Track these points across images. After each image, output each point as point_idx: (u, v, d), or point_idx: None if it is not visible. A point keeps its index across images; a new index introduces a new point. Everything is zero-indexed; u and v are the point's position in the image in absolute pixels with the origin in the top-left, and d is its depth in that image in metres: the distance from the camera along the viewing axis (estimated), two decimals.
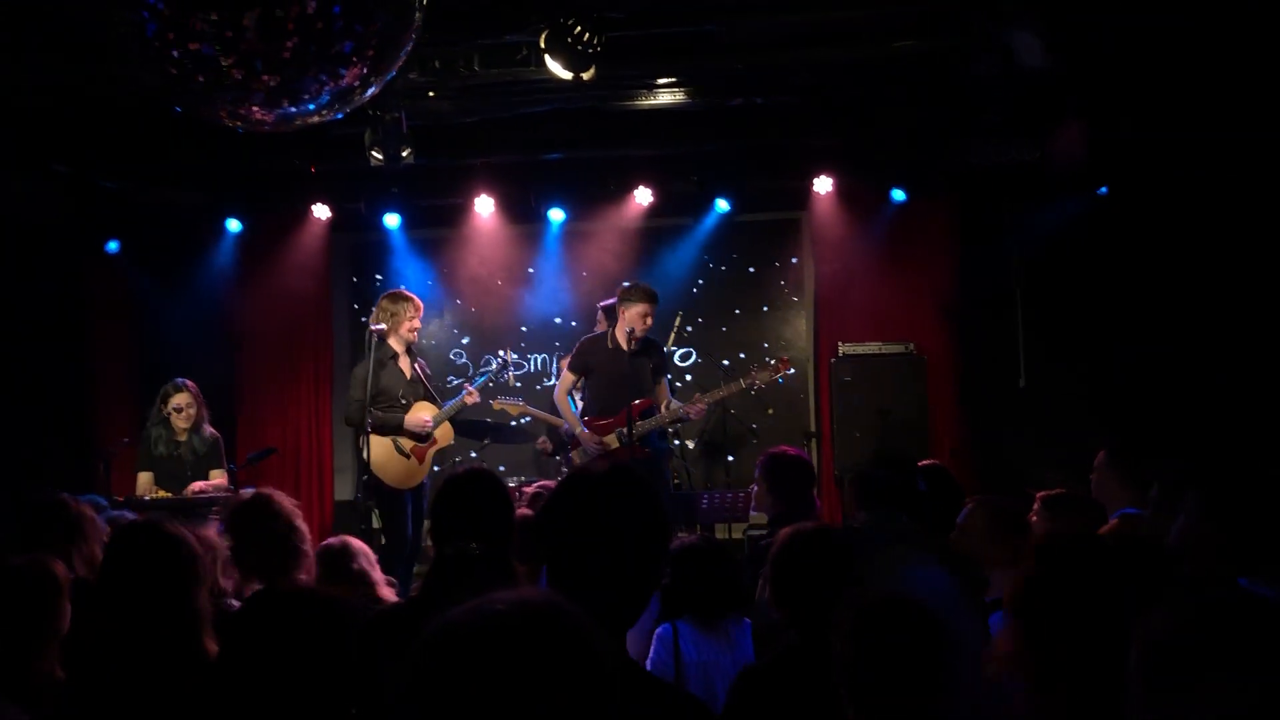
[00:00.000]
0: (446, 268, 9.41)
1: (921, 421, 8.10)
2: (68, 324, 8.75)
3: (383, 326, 6.51)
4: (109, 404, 8.92)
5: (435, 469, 6.80)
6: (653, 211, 8.68)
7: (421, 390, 6.70)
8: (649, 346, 6.71)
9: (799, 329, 9.18)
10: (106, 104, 6.65)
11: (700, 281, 9.23)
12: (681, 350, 9.16)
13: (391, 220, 8.85)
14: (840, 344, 8.39)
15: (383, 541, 6.50)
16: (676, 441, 7.46)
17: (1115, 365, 7.71)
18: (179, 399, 6.68)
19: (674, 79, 6.74)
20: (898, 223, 8.56)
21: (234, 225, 8.86)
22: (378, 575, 3.92)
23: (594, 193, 8.62)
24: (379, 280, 9.24)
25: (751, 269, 9.28)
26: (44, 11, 5.41)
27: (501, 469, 8.37)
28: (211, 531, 3.71)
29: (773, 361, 6.98)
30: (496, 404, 7.82)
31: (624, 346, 6.55)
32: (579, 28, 5.38)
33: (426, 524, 6.67)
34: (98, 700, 2.55)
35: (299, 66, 3.61)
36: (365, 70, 3.79)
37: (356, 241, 9.48)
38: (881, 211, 8.55)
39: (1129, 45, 5.98)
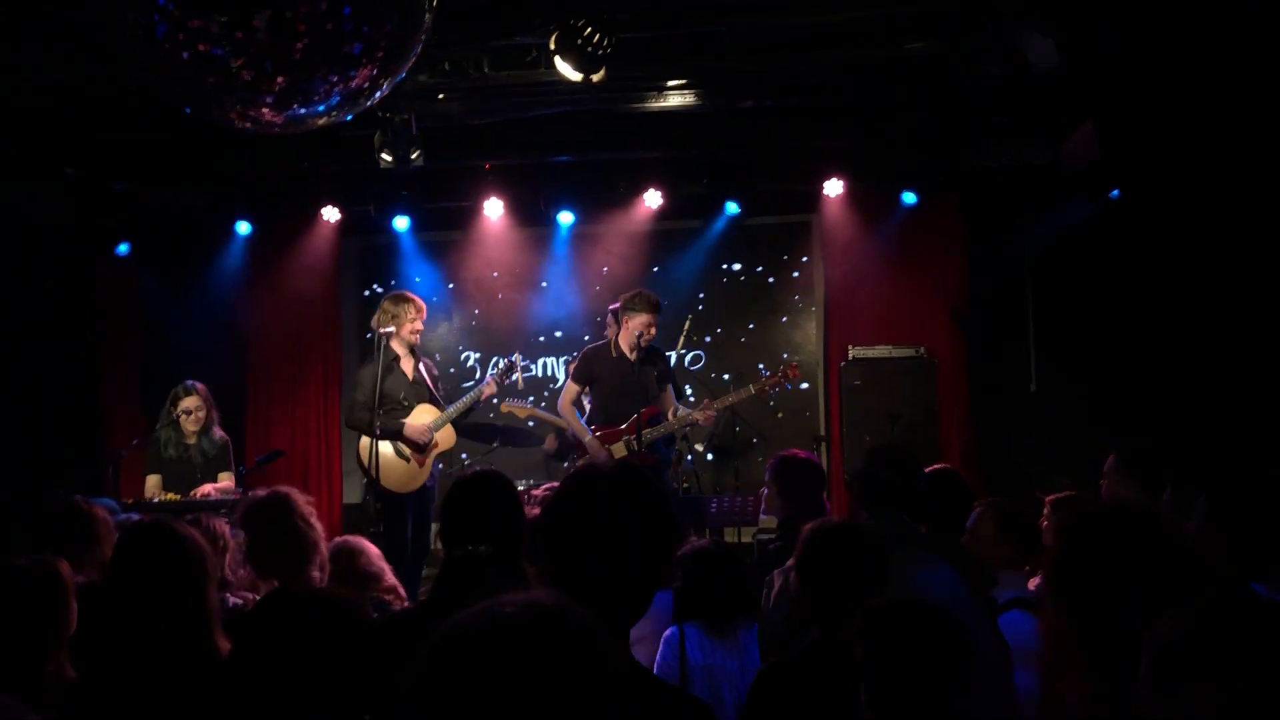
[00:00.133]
0: (456, 270, 9.42)
1: (931, 425, 8.08)
2: (77, 326, 8.78)
3: (391, 329, 6.50)
4: (118, 406, 8.94)
5: (438, 467, 6.75)
6: (662, 214, 8.68)
7: (425, 392, 6.67)
8: (653, 354, 6.70)
9: (809, 332, 9.17)
10: (116, 106, 6.66)
11: (710, 284, 9.22)
12: (691, 354, 9.15)
13: (401, 223, 8.86)
14: (850, 347, 8.37)
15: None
16: (689, 448, 7.44)
17: (1126, 369, 7.67)
18: (188, 401, 6.68)
19: (684, 81, 6.73)
20: (908, 225, 8.54)
21: (243, 228, 8.88)
22: (388, 576, 3.92)
23: (603, 195, 8.62)
24: (392, 283, 9.23)
25: (761, 272, 9.27)
26: (53, 14, 5.41)
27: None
28: (221, 523, 3.73)
29: (781, 368, 6.96)
30: (505, 407, 7.82)
31: (628, 355, 6.54)
32: (589, 29, 5.37)
33: (434, 526, 6.67)
34: (111, 700, 2.54)
35: (309, 68, 3.61)
36: (375, 71, 3.79)
37: (366, 244, 9.49)
38: (892, 214, 8.54)
39: (1140, 46, 5.95)
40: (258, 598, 3.40)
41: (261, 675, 1.98)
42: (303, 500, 3.45)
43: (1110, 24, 5.66)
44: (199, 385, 6.79)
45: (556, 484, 6.01)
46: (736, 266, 9.26)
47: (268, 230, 9.00)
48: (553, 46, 5.50)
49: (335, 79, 3.71)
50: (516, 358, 6.88)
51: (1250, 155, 6.82)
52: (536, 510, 4.05)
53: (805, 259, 9.23)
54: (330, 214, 8.76)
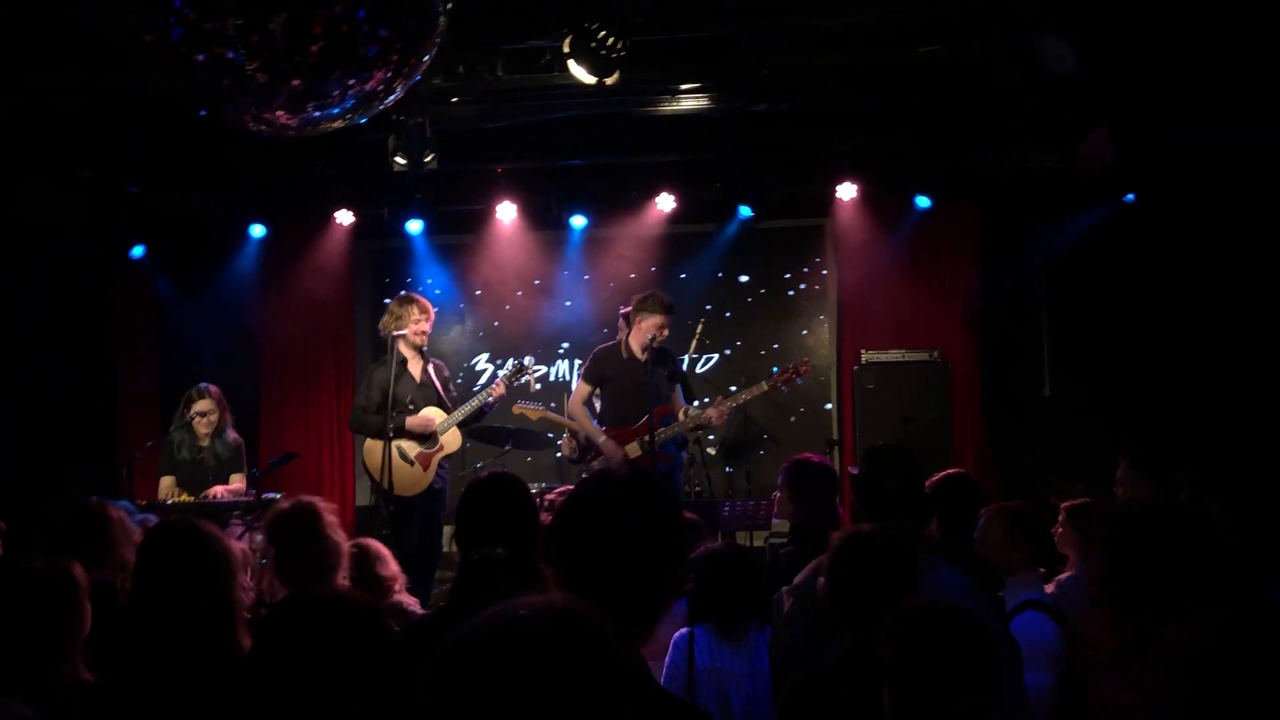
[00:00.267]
0: (469, 274, 9.43)
1: (945, 429, 8.05)
2: (93, 328, 8.83)
3: (404, 332, 6.50)
4: (133, 408, 8.99)
5: (444, 468, 6.73)
6: (675, 218, 8.68)
7: (434, 395, 6.66)
8: (663, 355, 6.70)
9: (822, 336, 9.15)
10: (132, 109, 6.68)
11: (722, 288, 9.20)
12: (703, 358, 9.14)
13: (414, 226, 8.88)
14: (863, 351, 8.35)
15: None
16: (701, 450, 7.43)
17: (1141, 374, 7.64)
18: (202, 404, 6.71)
19: (697, 84, 6.73)
20: (922, 229, 8.52)
21: (257, 230, 8.91)
22: (401, 580, 3.92)
23: (616, 199, 8.62)
24: (407, 284, 9.24)
25: (774, 276, 9.25)
26: (69, 18, 5.44)
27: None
28: (235, 539, 3.74)
29: (792, 365, 6.95)
30: (517, 409, 7.81)
31: (639, 356, 6.54)
32: (603, 33, 5.38)
33: (447, 529, 6.67)
34: (137, 697, 2.55)
35: (324, 71, 3.62)
36: (390, 74, 3.80)
37: (379, 247, 9.51)
38: (906, 218, 8.51)
39: (1155, 50, 5.92)
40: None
41: (276, 676, 1.98)
42: (327, 509, 3.45)
43: (1126, 28, 5.64)
44: (212, 388, 6.82)
45: (569, 488, 6.03)
46: (749, 270, 9.25)
47: (282, 233, 9.04)
48: (566, 50, 5.50)
49: (350, 82, 3.72)
50: (528, 361, 6.87)
51: (1266, 159, 6.79)
52: (549, 514, 4.06)
53: (819, 263, 9.21)
54: (344, 217, 8.79)
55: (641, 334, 6.54)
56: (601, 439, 6.65)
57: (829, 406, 9.02)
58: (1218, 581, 2.10)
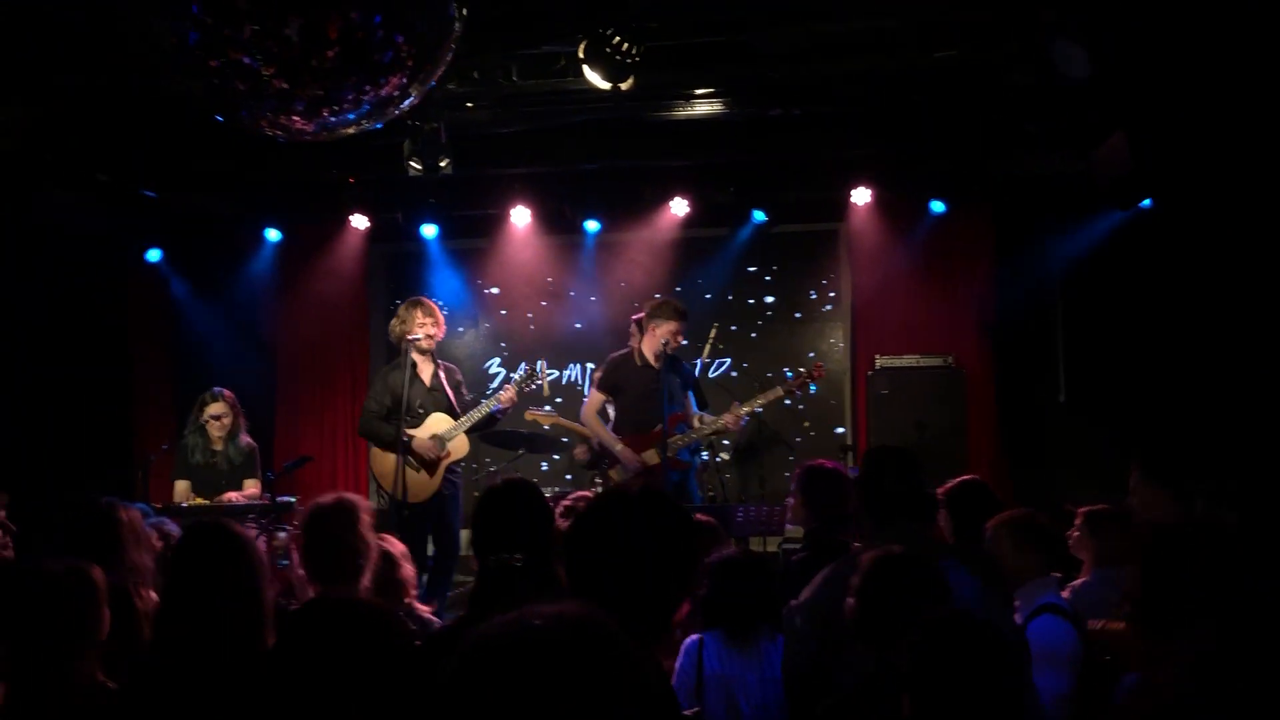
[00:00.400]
0: (482, 278, 9.45)
1: (959, 435, 8.02)
2: (109, 331, 8.88)
3: (417, 336, 6.51)
4: (148, 411, 9.04)
5: (456, 472, 6.73)
6: (689, 222, 8.67)
7: (444, 400, 6.64)
8: (675, 362, 6.70)
9: (836, 341, 9.13)
10: (148, 113, 6.72)
11: (736, 293, 9.19)
12: (717, 363, 9.13)
13: (429, 230, 8.90)
14: (877, 356, 8.33)
15: None
16: (706, 454, 7.42)
17: (1157, 381, 7.59)
18: (215, 407, 6.74)
19: (711, 89, 6.72)
20: (936, 234, 8.50)
21: (273, 235, 8.95)
22: (414, 583, 3.93)
23: (630, 203, 8.62)
24: (424, 289, 9.24)
25: (788, 280, 9.24)
26: (85, 21, 5.47)
27: (544, 471, 8.37)
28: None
29: (806, 369, 6.93)
30: (529, 414, 7.82)
31: (652, 363, 6.53)
32: (617, 38, 5.38)
33: (464, 534, 6.68)
34: (167, 695, 2.56)
35: (340, 76, 3.63)
36: (405, 80, 3.81)
37: (394, 251, 9.54)
38: (920, 223, 8.49)
39: (1173, 54, 5.89)
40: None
41: (299, 681, 1.99)
42: (366, 509, 3.43)
43: (1141, 32, 5.61)
44: (225, 391, 6.84)
45: (584, 493, 6.03)
46: (763, 275, 9.23)
47: (297, 237, 9.07)
48: (581, 55, 5.51)
49: (366, 88, 3.73)
50: (541, 366, 6.87)
51: None
52: (563, 519, 4.06)
53: (832, 267, 9.19)
54: (359, 221, 8.82)
55: (655, 340, 6.54)
56: (618, 447, 6.64)
57: (843, 411, 8.99)
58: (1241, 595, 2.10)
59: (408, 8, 3.66)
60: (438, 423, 6.57)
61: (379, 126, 4.18)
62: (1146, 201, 7.54)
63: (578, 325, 9.35)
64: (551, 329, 9.38)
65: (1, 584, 2.85)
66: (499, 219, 8.83)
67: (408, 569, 3.86)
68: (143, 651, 3.03)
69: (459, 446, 6.62)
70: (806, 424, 8.85)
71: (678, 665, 3.56)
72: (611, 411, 6.98)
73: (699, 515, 4.25)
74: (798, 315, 9.21)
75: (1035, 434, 8.24)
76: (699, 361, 8.44)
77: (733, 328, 9.11)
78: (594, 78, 5.55)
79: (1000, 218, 8.40)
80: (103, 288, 8.73)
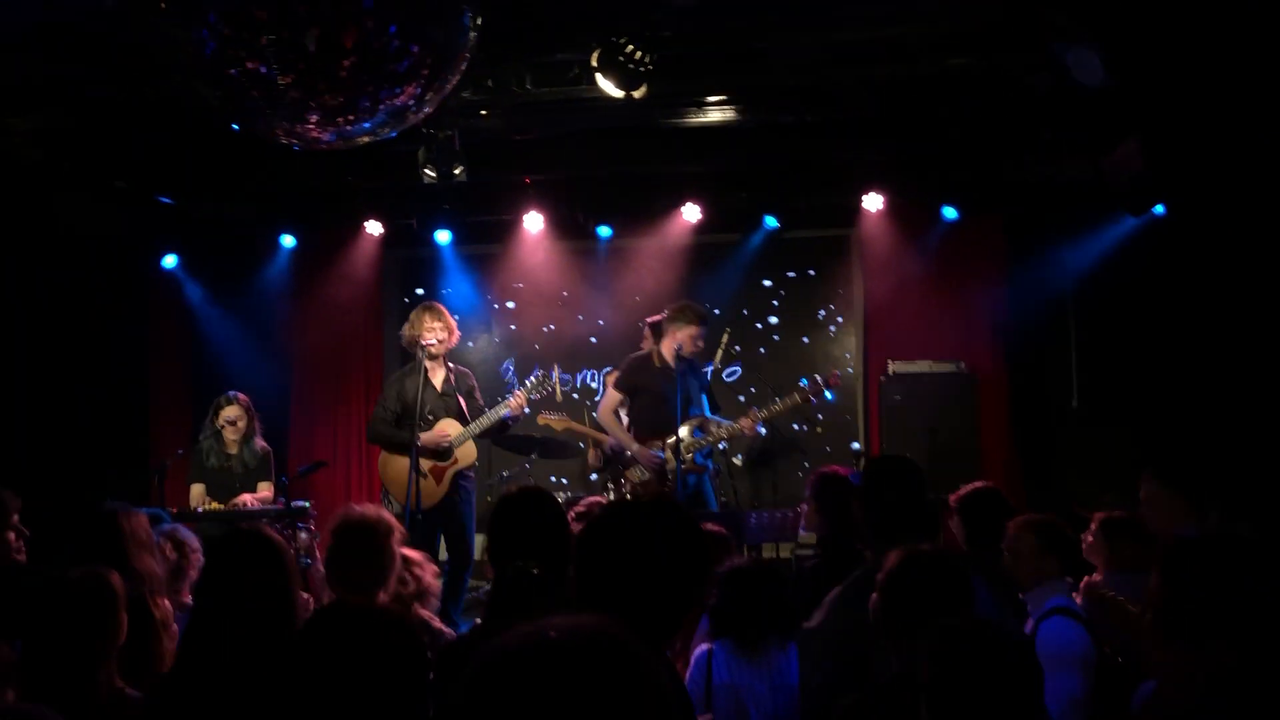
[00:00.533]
0: (496, 283, 9.47)
1: (972, 441, 8.01)
2: (126, 336, 8.92)
3: (431, 341, 6.51)
4: (164, 416, 9.08)
5: (468, 478, 6.74)
6: (701, 228, 8.68)
7: (455, 405, 6.64)
8: (692, 366, 6.72)
9: (848, 347, 9.12)
10: (165, 120, 6.76)
11: (748, 298, 9.19)
12: (729, 368, 9.13)
13: (442, 236, 8.94)
14: (890, 362, 8.32)
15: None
16: (723, 459, 7.43)
17: (1171, 386, 7.57)
18: (230, 411, 6.77)
19: (724, 96, 6.72)
20: (949, 240, 8.49)
21: (288, 240, 9.00)
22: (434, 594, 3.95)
23: (642, 209, 8.64)
24: (442, 294, 9.27)
25: (800, 286, 9.24)
26: (104, 30, 5.51)
27: (554, 479, 8.39)
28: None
29: (822, 376, 6.93)
30: (541, 419, 7.83)
31: (671, 365, 6.55)
32: (630, 46, 5.39)
33: (479, 539, 6.69)
34: (200, 696, 2.58)
35: (356, 86, 3.66)
36: (420, 89, 3.83)
37: (408, 257, 9.57)
38: (932, 229, 8.49)
39: (1187, 59, 5.87)
40: None
41: (313, 687, 2.00)
42: (399, 529, 3.48)
43: (1156, 37, 5.60)
44: (240, 395, 6.87)
45: (596, 498, 6.05)
46: (775, 281, 9.23)
47: (312, 243, 9.12)
48: (595, 64, 5.51)
49: (382, 96, 3.76)
50: (555, 372, 6.87)
51: None
52: (578, 526, 4.07)
53: (845, 273, 9.19)
54: (374, 227, 8.85)
55: (674, 343, 6.55)
56: (635, 447, 6.65)
57: (855, 417, 8.98)
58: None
59: (423, 18, 3.68)
60: (447, 428, 6.58)
61: (393, 135, 4.20)
62: (1159, 207, 7.52)
63: (590, 330, 9.37)
64: (564, 334, 9.40)
65: (21, 590, 2.88)
66: (512, 225, 8.85)
67: (427, 576, 3.87)
68: (158, 658, 3.06)
69: (466, 453, 6.61)
70: (819, 429, 8.84)
71: (687, 676, 3.57)
72: (623, 415, 6.99)
73: (709, 525, 4.26)
74: (809, 321, 9.20)
75: (1048, 440, 8.21)
76: (710, 366, 8.43)
77: (745, 334, 9.10)
78: (607, 86, 5.56)
79: (1013, 223, 8.39)
80: (120, 294, 8.78)
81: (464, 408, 6.67)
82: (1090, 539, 4.30)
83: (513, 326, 9.54)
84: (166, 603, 3.49)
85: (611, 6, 5.39)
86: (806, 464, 8.21)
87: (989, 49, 5.92)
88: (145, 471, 7.58)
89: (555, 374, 6.91)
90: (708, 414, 6.84)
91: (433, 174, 6.73)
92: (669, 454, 6.56)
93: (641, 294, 9.07)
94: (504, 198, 8.62)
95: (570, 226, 8.82)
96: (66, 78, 6.03)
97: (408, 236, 9.00)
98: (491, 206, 8.74)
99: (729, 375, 9.13)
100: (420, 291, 9.44)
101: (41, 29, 5.45)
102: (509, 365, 9.49)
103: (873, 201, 8.36)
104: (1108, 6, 5.28)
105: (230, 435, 6.78)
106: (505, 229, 8.97)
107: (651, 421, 6.68)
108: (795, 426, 8.47)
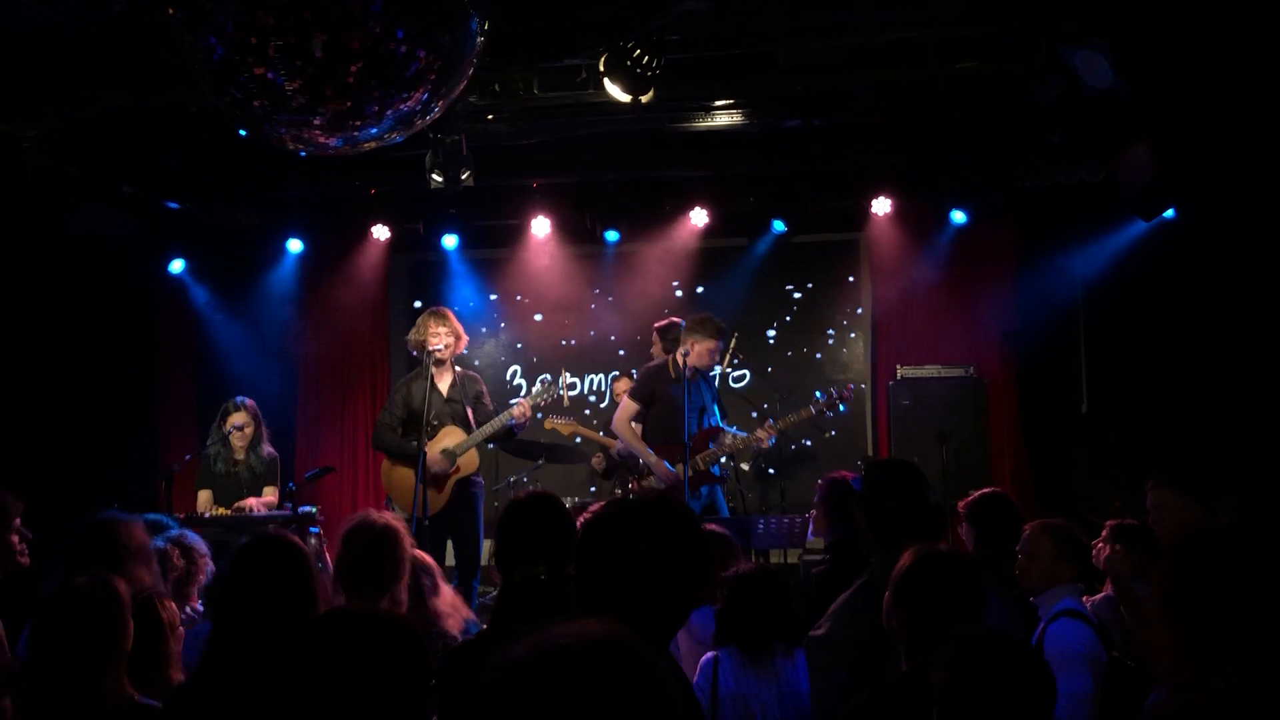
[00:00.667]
0: (503, 287, 9.47)
1: (982, 446, 7.97)
2: (133, 341, 8.94)
3: (439, 346, 6.50)
4: (171, 421, 9.09)
5: (478, 482, 6.71)
6: (708, 232, 8.67)
7: (460, 412, 6.60)
8: (704, 373, 6.72)
9: (856, 351, 9.10)
10: (172, 126, 6.77)
11: (756, 303, 9.16)
12: (736, 373, 9.12)
13: (449, 241, 8.94)
14: (899, 367, 8.29)
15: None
16: (732, 465, 7.42)
17: (1181, 391, 7.54)
18: (237, 417, 6.77)
19: (731, 101, 6.72)
20: (957, 244, 8.47)
21: (295, 245, 9.00)
22: (435, 595, 3.93)
23: (650, 214, 8.63)
24: (448, 299, 9.27)
25: (808, 290, 9.23)
26: (112, 36, 5.53)
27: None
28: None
29: (838, 390, 6.92)
30: (549, 423, 7.82)
31: (687, 375, 6.54)
32: (638, 51, 5.39)
33: (487, 544, 6.67)
34: (222, 699, 2.57)
35: (363, 91, 3.65)
36: (428, 94, 3.83)
37: (415, 261, 9.58)
38: (941, 233, 8.47)
39: (1197, 63, 5.86)
40: None
41: (311, 686, 1.99)
42: (410, 542, 3.50)
43: (1166, 41, 5.58)
44: (248, 401, 6.87)
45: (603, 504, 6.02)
46: (783, 285, 9.22)
47: (319, 248, 9.12)
48: (602, 68, 5.52)
49: (389, 101, 3.76)
50: (564, 377, 6.85)
51: None
52: None
53: (852, 278, 9.17)
54: (380, 232, 8.86)
55: (693, 356, 6.52)
56: (653, 460, 6.64)
57: (864, 422, 8.96)
58: None
59: (431, 23, 3.68)
60: (450, 436, 6.52)
61: (400, 140, 4.20)
62: (1169, 211, 7.49)
63: (597, 334, 9.36)
64: (571, 338, 9.40)
65: (28, 598, 2.88)
66: (519, 229, 8.85)
67: (437, 581, 3.86)
68: (165, 665, 3.05)
69: (468, 462, 6.55)
70: (828, 434, 8.82)
71: (693, 684, 3.55)
72: (635, 425, 6.97)
73: (710, 526, 4.25)
74: (817, 326, 9.19)
75: (1058, 444, 8.19)
76: (717, 370, 8.42)
77: (752, 338, 9.09)
78: (614, 91, 5.56)
79: (1022, 227, 8.37)
80: (127, 298, 8.80)
81: (470, 414, 6.63)
82: (1101, 545, 4.28)
83: (519, 330, 9.54)
84: (173, 605, 3.48)
85: (619, 10, 5.38)
86: (815, 469, 8.19)
87: (997, 53, 5.92)
88: (153, 477, 7.58)
89: (562, 379, 6.88)
90: (720, 423, 6.83)
91: (440, 179, 6.73)
92: (697, 461, 6.55)
93: (649, 298, 9.06)
94: (511, 202, 8.63)
95: (577, 231, 8.82)
96: (74, 83, 6.04)
97: (415, 241, 9.00)
98: (498, 211, 8.75)
99: (736, 381, 9.11)
100: (427, 296, 9.46)
101: (49, 34, 5.46)
102: (516, 370, 9.49)
103: (881, 206, 8.35)
104: (1117, 10, 5.26)
105: (237, 441, 6.78)
106: (512, 233, 8.97)
107: (666, 431, 6.66)
108: (805, 435, 8.45)
